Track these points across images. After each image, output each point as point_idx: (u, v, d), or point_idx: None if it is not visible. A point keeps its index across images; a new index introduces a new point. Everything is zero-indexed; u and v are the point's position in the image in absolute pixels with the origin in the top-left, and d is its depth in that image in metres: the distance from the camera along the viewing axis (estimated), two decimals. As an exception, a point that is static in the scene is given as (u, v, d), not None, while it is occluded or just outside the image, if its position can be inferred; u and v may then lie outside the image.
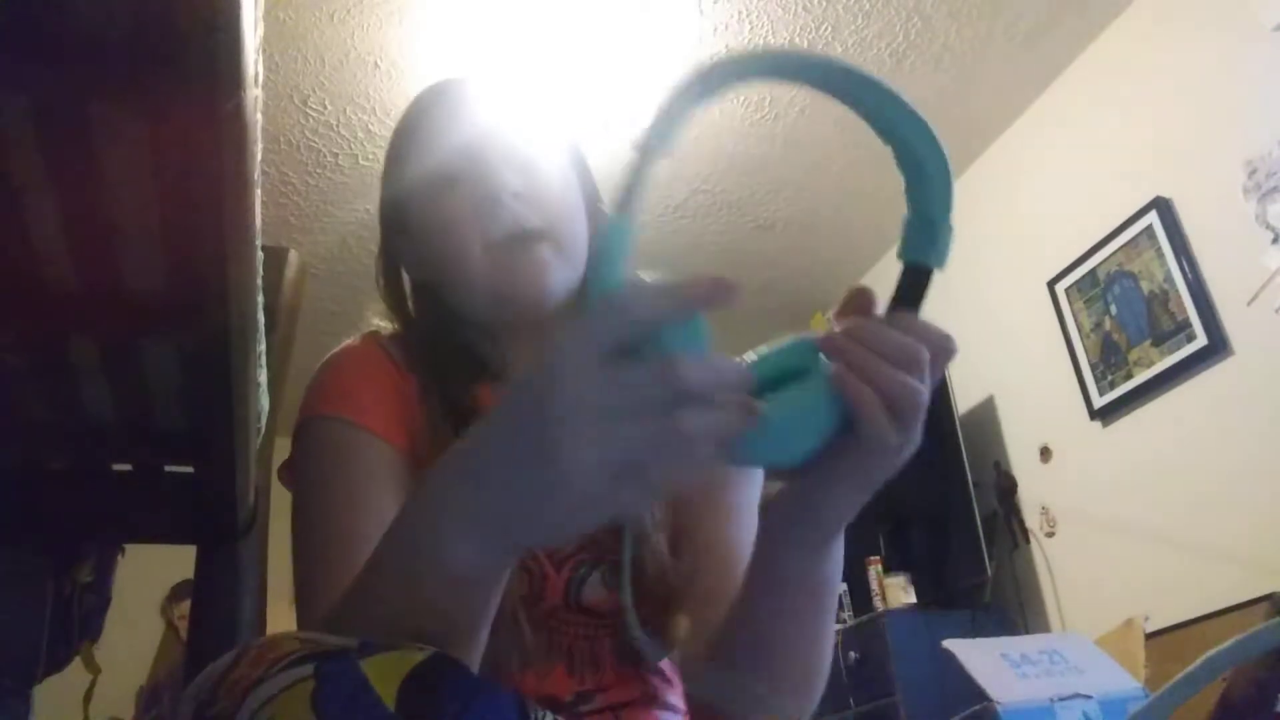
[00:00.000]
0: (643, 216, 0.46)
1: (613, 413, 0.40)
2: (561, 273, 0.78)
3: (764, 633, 0.63)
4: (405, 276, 0.89)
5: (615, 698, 0.76)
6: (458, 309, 0.84)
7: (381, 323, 0.88)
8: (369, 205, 2.87)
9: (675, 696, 0.79)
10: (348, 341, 0.84)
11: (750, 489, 0.82)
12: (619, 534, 0.75)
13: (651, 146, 0.46)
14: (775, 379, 0.50)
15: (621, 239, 0.45)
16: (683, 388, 0.40)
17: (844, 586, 3.25)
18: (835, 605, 0.63)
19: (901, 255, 0.52)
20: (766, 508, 0.58)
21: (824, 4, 2.65)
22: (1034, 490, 3.00)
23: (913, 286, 0.51)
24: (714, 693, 0.67)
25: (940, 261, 0.51)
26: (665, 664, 0.81)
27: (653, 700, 0.77)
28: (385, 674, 0.42)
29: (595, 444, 0.40)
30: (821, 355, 0.50)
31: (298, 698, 0.41)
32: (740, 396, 0.42)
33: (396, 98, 2.84)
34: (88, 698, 1.60)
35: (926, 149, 0.49)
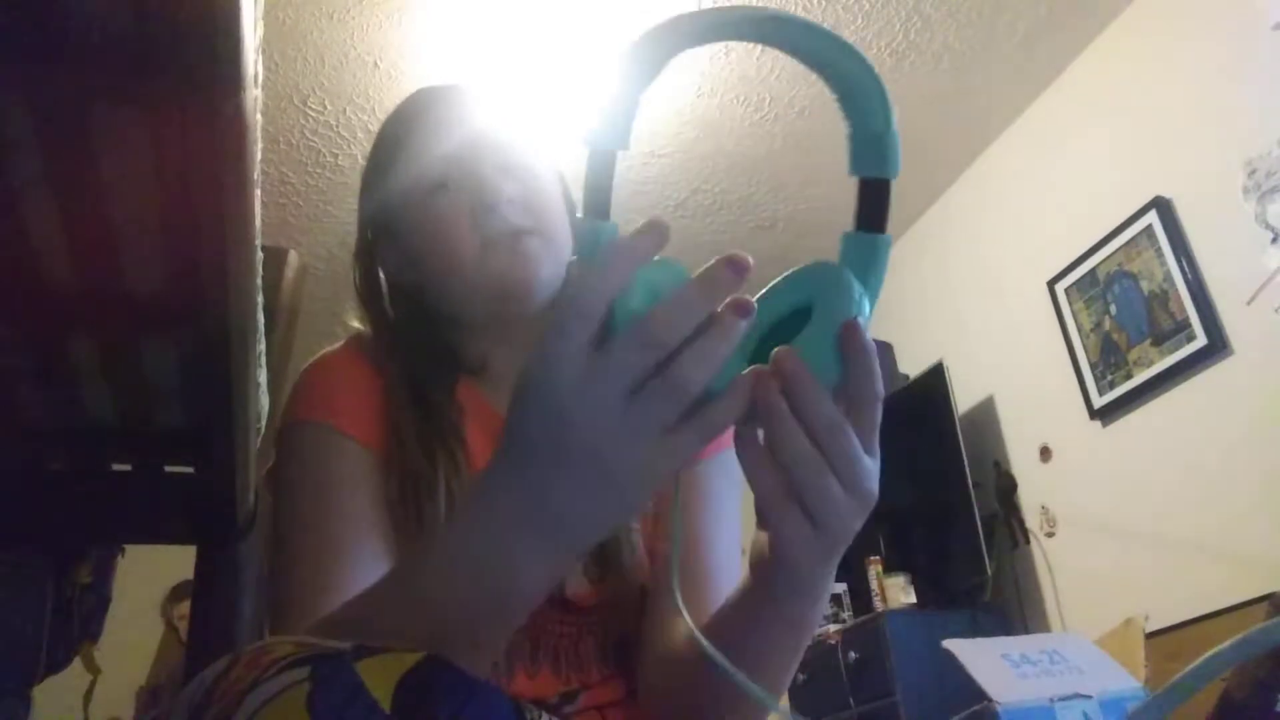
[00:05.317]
0: (616, 217, 0.47)
1: (621, 395, 0.43)
2: (549, 267, 0.81)
3: (732, 651, 0.61)
4: (383, 279, 0.90)
5: (599, 697, 0.77)
6: (440, 307, 0.85)
7: (360, 325, 0.89)
8: (369, 205, 2.88)
9: None
10: (329, 347, 0.86)
11: (725, 480, 0.83)
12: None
13: (609, 142, 0.46)
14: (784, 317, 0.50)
15: (602, 242, 0.46)
16: (666, 342, 0.43)
17: (843, 586, 3.25)
18: (808, 640, 0.61)
19: (854, 171, 0.51)
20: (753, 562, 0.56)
21: (823, 4, 2.65)
22: (1034, 490, 3.00)
23: (873, 202, 0.51)
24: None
25: (893, 171, 0.50)
26: None
27: (635, 698, 0.78)
28: (380, 676, 0.42)
29: (621, 428, 0.43)
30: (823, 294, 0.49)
31: (293, 701, 0.40)
32: (724, 315, 0.44)
33: (396, 98, 2.83)
34: (88, 698, 1.60)
35: (852, 66, 0.49)
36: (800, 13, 2.67)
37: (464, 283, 0.80)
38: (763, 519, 0.50)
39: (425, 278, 0.84)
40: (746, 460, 0.48)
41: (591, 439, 0.43)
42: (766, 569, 0.53)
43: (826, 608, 0.59)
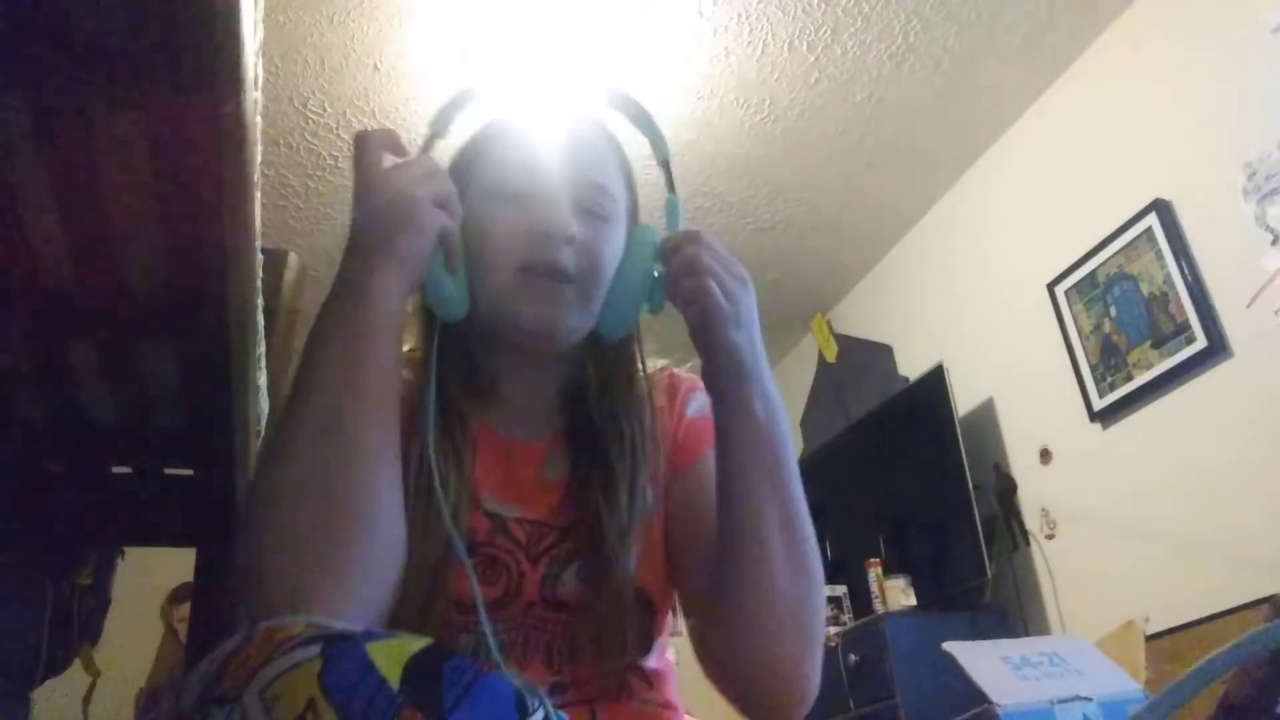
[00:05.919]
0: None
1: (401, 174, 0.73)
2: (575, 319, 0.80)
3: (739, 507, 0.74)
4: None
5: (589, 690, 0.77)
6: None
7: None
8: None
9: (653, 694, 0.81)
10: None
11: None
12: (592, 531, 0.77)
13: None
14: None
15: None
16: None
17: (843, 588, 3.25)
18: (792, 465, 0.75)
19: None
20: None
21: (824, 6, 2.66)
22: (1034, 492, 2.99)
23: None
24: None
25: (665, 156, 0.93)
26: (651, 666, 0.82)
27: (627, 694, 0.79)
28: (389, 657, 0.44)
29: (401, 182, 0.72)
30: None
31: (305, 675, 0.43)
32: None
33: (396, 100, 2.84)
34: (87, 700, 1.61)
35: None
36: (799, 14, 2.67)
37: (493, 292, 0.79)
38: (692, 320, 0.74)
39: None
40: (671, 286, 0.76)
41: (376, 179, 0.73)
42: (710, 366, 0.75)
43: (785, 418, 0.77)
